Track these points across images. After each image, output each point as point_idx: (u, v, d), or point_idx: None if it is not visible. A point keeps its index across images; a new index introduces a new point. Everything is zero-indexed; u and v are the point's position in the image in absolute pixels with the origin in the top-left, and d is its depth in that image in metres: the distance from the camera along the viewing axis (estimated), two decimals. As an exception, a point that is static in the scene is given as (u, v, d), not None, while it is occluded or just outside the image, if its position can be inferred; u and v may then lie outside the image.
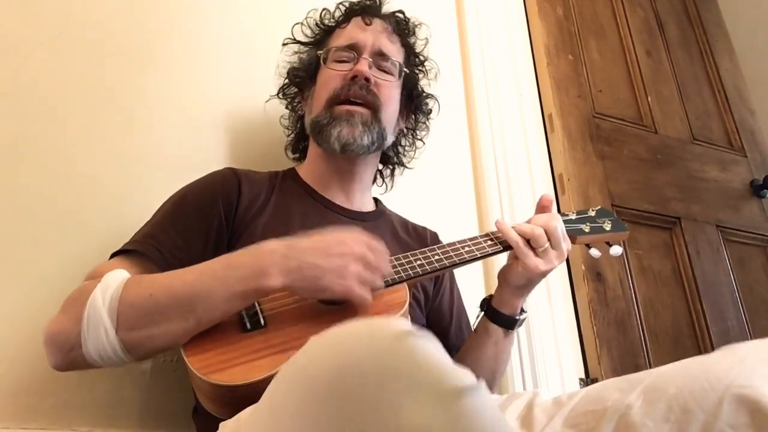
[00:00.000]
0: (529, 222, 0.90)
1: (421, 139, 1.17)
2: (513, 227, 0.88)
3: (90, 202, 0.99)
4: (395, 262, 0.81)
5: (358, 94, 0.95)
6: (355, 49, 1.00)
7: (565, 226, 0.91)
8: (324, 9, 1.10)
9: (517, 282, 0.89)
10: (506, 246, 0.88)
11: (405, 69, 1.05)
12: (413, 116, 1.13)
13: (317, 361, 0.41)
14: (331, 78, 0.98)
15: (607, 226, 0.97)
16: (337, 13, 1.09)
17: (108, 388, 0.91)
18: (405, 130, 1.13)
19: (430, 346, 0.41)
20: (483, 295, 0.99)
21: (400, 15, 1.09)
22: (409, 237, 1.06)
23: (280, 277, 0.69)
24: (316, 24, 1.10)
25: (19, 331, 0.87)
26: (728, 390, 0.55)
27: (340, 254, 0.71)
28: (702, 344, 1.53)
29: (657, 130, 1.84)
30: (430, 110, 1.15)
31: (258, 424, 0.45)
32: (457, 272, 1.13)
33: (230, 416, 0.61)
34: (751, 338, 1.60)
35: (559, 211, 1.48)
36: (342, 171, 1.00)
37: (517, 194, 1.48)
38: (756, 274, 1.77)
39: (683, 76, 2.03)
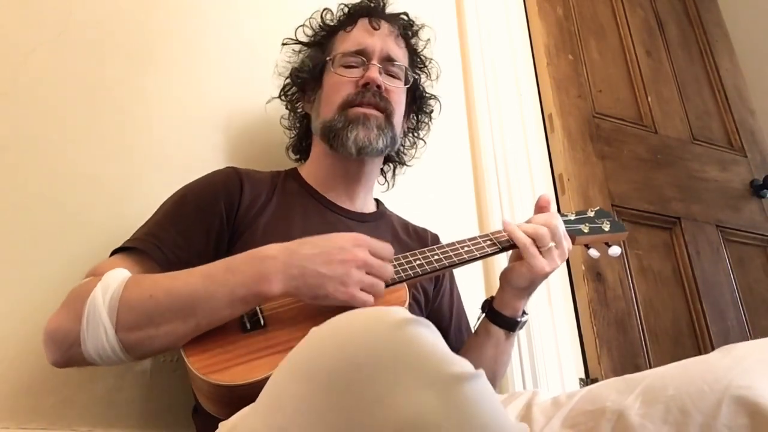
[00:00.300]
0: (529, 222, 0.90)
1: (422, 138, 1.17)
2: (518, 226, 0.88)
3: (90, 202, 0.99)
4: (395, 262, 0.81)
5: (371, 101, 0.95)
6: (363, 54, 0.99)
7: (565, 227, 0.91)
8: (325, 9, 1.09)
9: (520, 283, 0.89)
10: (506, 246, 0.88)
11: (413, 74, 1.05)
12: (415, 116, 1.14)
13: (317, 350, 0.42)
14: (341, 83, 0.98)
15: (606, 227, 0.97)
16: (340, 14, 1.08)
17: (108, 387, 0.91)
18: (407, 130, 1.13)
19: (429, 334, 0.41)
20: (483, 297, 0.99)
21: (405, 17, 1.09)
22: (410, 238, 1.06)
23: (281, 284, 0.69)
24: (319, 24, 1.09)
25: (19, 331, 0.87)
26: (727, 391, 0.54)
27: (341, 261, 0.70)
28: (702, 344, 1.53)
29: (657, 130, 1.84)
30: (432, 111, 1.16)
31: (259, 413, 0.45)
32: (457, 273, 1.13)
33: (230, 416, 0.61)
34: (751, 338, 1.61)
35: (558, 211, 1.48)
36: (349, 173, 1.00)
37: (517, 194, 1.48)
38: (756, 274, 1.77)
39: (683, 76, 2.03)
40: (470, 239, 0.88)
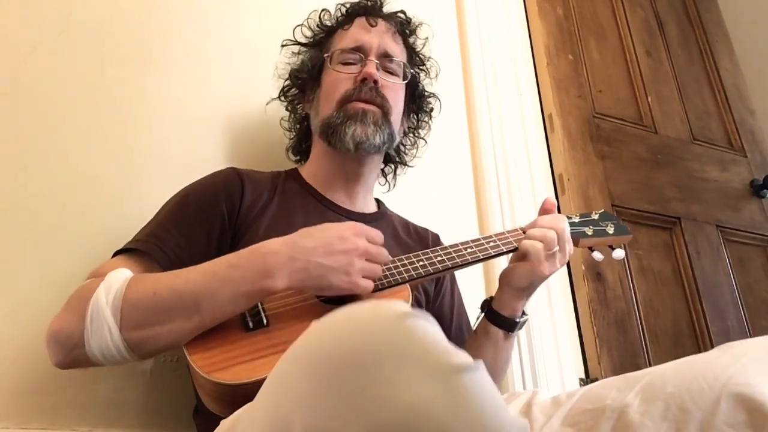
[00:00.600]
0: (535, 224, 0.90)
1: (422, 138, 1.18)
2: (522, 230, 0.90)
3: (90, 202, 0.99)
4: (398, 263, 0.81)
5: (368, 96, 0.96)
6: (361, 50, 1.00)
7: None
8: (324, 9, 1.10)
9: (520, 284, 0.89)
10: (507, 249, 0.88)
11: (410, 70, 1.05)
12: (415, 115, 1.14)
13: (318, 342, 0.42)
14: (339, 80, 0.98)
15: (610, 230, 0.97)
16: (338, 14, 1.09)
17: (109, 388, 0.91)
18: (407, 130, 1.14)
19: (430, 327, 0.42)
20: (483, 297, 0.99)
21: (402, 15, 1.10)
22: (410, 238, 1.06)
23: (285, 279, 0.69)
24: (317, 25, 1.10)
25: (19, 331, 0.87)
26: (725, 388, 0.55)
27: (344, 251, 0.72)
28: (702, 344, 1.53)
29: (657, 130, 1.84)
30: (432, 109, 1.16)
31: (261, 405, 0.45)
32: (458, 273, 1.13)
33: (232, 415, 0.61)
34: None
35: (558, 211, 1.48)
36: (348, 172, 1.00)
37: (517, 194, 1.48)
38: (756, 274, 1.77)
39: (683, 76, 2.03)
40: (473, 240, 0.89)
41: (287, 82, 1.10)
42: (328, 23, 1.09)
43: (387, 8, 1.09)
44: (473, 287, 1.33)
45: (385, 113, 0.97)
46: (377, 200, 1.10)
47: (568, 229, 0.89)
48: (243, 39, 1.25)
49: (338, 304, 0.73)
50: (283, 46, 1.11)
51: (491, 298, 0.95)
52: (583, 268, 1.45)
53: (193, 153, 1.12)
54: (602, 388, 0.67)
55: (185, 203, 0.86)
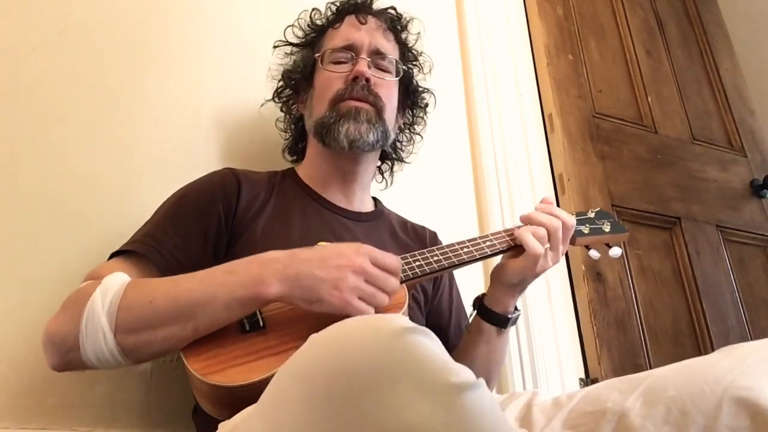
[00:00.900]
0: (528, 216, 0.90)
1: (418, 134, 1.17)
2: (517, 228, 0.89)
3: (90, 202, 0.99)
4: None
5: (360, 94, 0.95)
6: (352, 49, 0.99)
7: None
8: (314, 9, 1.09)
9: (512, 280, 0.89)
10: (505, 248, 0.88)
11: (402, 66, 1.05)
12: (410, 111, 1.14)
13: (316, 358, 0.41)
14: (331, 79, 0.98)
15: (607, 228, 0.97)
16: (328, 13, 1.08)
17: (108, 388, 0.91)
18: (402, 126, 1.13)
19: (430, 343, 0.41)
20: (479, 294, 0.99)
21: (393, 11, 1.09)
22: (408, 237, 1.06)
23: (278, 285, 0.68)
24: (308, 25, 1.09)
25: (19, 331, 0.87)
26: (727, 392, 0.55)
27: (337, 266, 0.69)
28: (702, 344, 1.53)
29: (657, 130, 1.84)
30: (427, 104, 1.16)
31: (257, 421, 0.45)
32: (457, 272, 1.13)
33: (229, 417, 0.61)
34: (751, 338, 1.61)
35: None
36: (344, 171, 1.00)
37: (517, 194, 1.48)
38: (756, 274, 1.77)
39: (683, 76, 2.03)
40: (470, 240, 0.88)
41: (281, 84, 1.10)
42: (319, 22, 1.08)
43: (378, 4, 1.08)
44: (472, 286, 1.33)
45: (378, 111, 0.97)
46: (375, 199, 1.10)
47: (560, 231, 0.88)
48: (243, 39, 1.25)
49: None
50: (275, 47, 1.11)
51: (483, 295, 0.94)
52: (583, 268, 1.45)
53: (192, 153, 1.12)
54: (603, 390, 0.66)
55: (182, 204, 0.86)
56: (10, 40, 1.02)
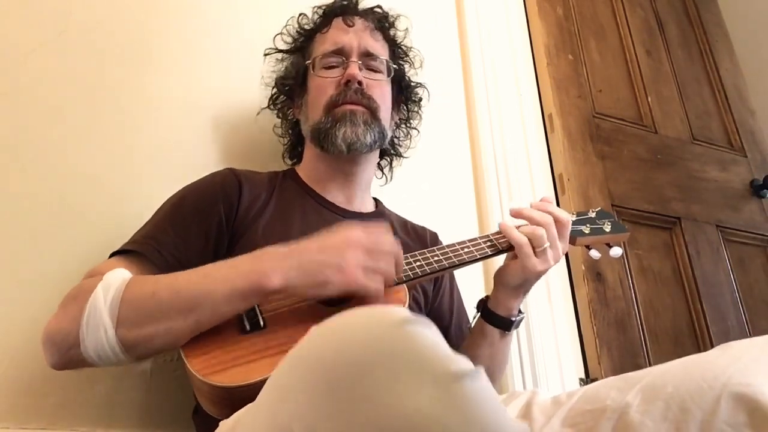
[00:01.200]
0: (518, 211, 0.90)
1: (415, 128, 1.18)
2: (516, 227, 0.88)
3: (90, 202, 0.99)
4: None
5: (353, 98, 0.96)
6: (342, 53, 1.00)
7: None
8: (301, 14, 1.10)
9: (513, 282, 0.89)
10: (505, 248, 0.88)
11: (393, 65, 1.06)
12: (405, 107, 1.14)
13: (317, 348, 0.42)
14: (324, 85, 0.99)
15: (607, 228, 0.97)
16: (315, 17, 1.09)
17: (108, 388, 0.91)
18: (399, 122, 1.14)
19: (429, 333, 0.41)
20: (483, 296, 0.99)
21: (379, 10, 1.10)
22: (409, 237, 1.06)
23: (280, 275, 0.68)
24: (297, 30, 1.10)
25: (19, 331, 0.87)
26: (725, 388, 0.55)
27: (334, 246, 0.70)
28: (702, 344, 1.53)
29: (657, 130, 1.84)
30: (421, 99, 1.16)
31: (260, 411, 0.45)
32: (458, 273, 1.13)
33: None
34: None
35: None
36: (343, 172, 1.01)
37: (517, 194, 1.48)
38: (756, 274, 1.77)
39: (683, 76, 2.03)
40: (470, 240, 0.88)
41: (274, 91, 1.11)
42: (307, 27, 1.09)
43: (363, 4, 1.09)
44: (473, 286, 1.33)
45: (373, 112, 0.98)
46: (375, 200, 1.10)
47: (553, 228, 0.87)
48: (243, 39, 1.25)
49: (337, 305, 0.74)
50: (265, 55, 1.12)
51: (487, 297, 0.94)
52: (583, 268, 1.45)
53: (192, 153, 1.12)
54: (602, 388, 0.66)
55: (182, 204, 0.86)
56: (10, 40, 1.02)
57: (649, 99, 1.89)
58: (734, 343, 0.63)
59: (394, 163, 1.18)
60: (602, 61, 1.86)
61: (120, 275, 0.71)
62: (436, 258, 0.84)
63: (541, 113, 1.68)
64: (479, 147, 1.53)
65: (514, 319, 0.92)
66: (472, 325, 0.96)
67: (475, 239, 0.89)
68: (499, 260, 0.94)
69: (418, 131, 1.19)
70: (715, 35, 2.22)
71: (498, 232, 0.90)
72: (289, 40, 1.11)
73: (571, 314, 1.44)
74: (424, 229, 1.12)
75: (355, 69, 0.97)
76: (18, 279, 0.90)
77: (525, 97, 1.65)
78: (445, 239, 1.09)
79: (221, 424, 0.62)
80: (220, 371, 0.64)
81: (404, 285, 0.79)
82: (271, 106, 1.11)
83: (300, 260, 0.69)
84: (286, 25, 1.11)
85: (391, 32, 1.10)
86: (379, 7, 1.10)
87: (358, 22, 1.04)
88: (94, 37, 1.10)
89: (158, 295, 0.68)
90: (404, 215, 1.13)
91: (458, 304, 1.09)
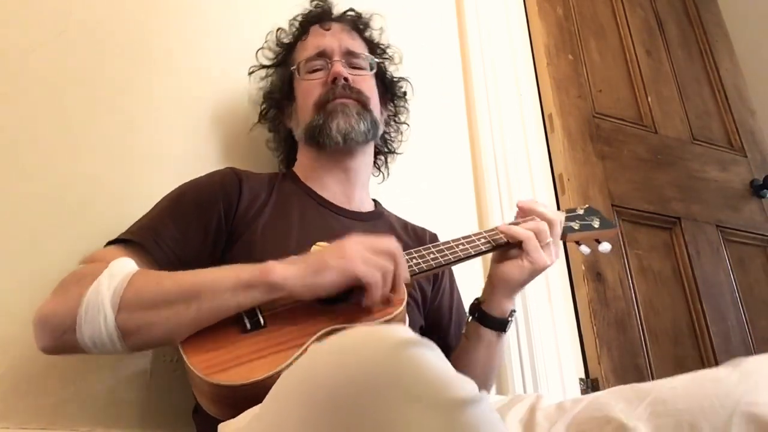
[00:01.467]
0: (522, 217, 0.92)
1: (404, 122, 1.20)
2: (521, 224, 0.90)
3: (90, 202, 0.99)
4: None
5: (342, 94, 0.98)
6: (324, 55, 1.03)
7: None
8: (279, 29, 1.13)
9: (518, 279, 0.88)
10: (500, 244, 0.88)
11: (375, 60, 1.08)
12: (392, 103, 1.16)
13: (318, 369, 0.41)
14: (311, 87, 1.01)
15: (596, 224, 0.98)
16: (293, 29, 1.12)
17: (108, 387, 0.91)
18: (388, 119, 1.16)
19: (432, 356, 0.41)
20: (474, 300, 0.99)
21: (352, 12, 1.13)
22: (408, 238, 1.06)
23: (283, 269, 0.69)
24: (277, 44, 1.13)
25: (19, 331, 0.87)
26: (737, 407, 0.55)
27: (336, 245, 0.72)
28: (702, 344, 1.53)
29: (657, 130, 1.84)
30: (405, 92, 1.18)
31: (260, 422, 0.45)
32: (457, 273, 1.13)
33: (230, 417, 0.61)
34: (751, 338, 1.61)
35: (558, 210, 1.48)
36: (341, 168, 1.01)
37: (517, 194, 1.48)
38: (756, 274, 1.77)
39: (683, 76, 2.03)
40: (464, 237, 0.89)
41: (264, 106, 1.12)
42: (287, 40, 1.12)
43: (337, 9, 1.12)
44: (473, 286, 1.33)
45: (363, 103, 1.00)
46: (375, 201, 1.11)
47: (555, 220, 0.90)
48: (243, 39, 1.25)
49: (337, 304, 0.73)
50: (250, 73, 1.14)
51: (478, 301, 0.94)
52: (583, 268, 1.45)
53: (192, 153, 1.12)
54: (609, 398, 0.66)
55: (182, 200, 0.86)
56: (10, 40, 1.02)
57: (649, 99, 1.89)
58: (746, 359, 0.62)
59: (389, 160, 1.20)
60: (602, 61, 1.86)
61: (126, 265, 0.71)
62: (432, 255, 0.84)
63: (541, 113, 1.68)
64: (479, 147, 1.53)
65: (510, 319, 0.92)
66: (465, 330, 0.96)
67: (469, 236, 0.89)
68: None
69: (408, 125, 1.21)
70: (715, 35, 2.22)
71: (493, 229, 0.91)
72: (271, 55, 1.14)
73: (571, 314, 1.44)
74: (423, 230, 1.12)
75: (339, 66, 1.00)
76: (18, 279, 0.90)
77: (525, 97, 1.65)
78: (445, 239, 1.08)
79: (221, 426, 0.62)
80: (220, 370, 0.64)
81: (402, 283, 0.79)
82: (262, 121, 1.13)
83: (304, 258, 0.72)
84: (266, 41, 1.15)
85: (368, 33, 1.13)
86: (351, 9, 1.13)
87: (335, 25, 1.08)
88: (94, 37, 1.10)
89: (162, 283, 0.69)
90: (404, 215, 1.13)
91: (458, 303, 1.09)
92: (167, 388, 0.94)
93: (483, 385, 0.96)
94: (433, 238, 1.11)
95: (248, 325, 0.70)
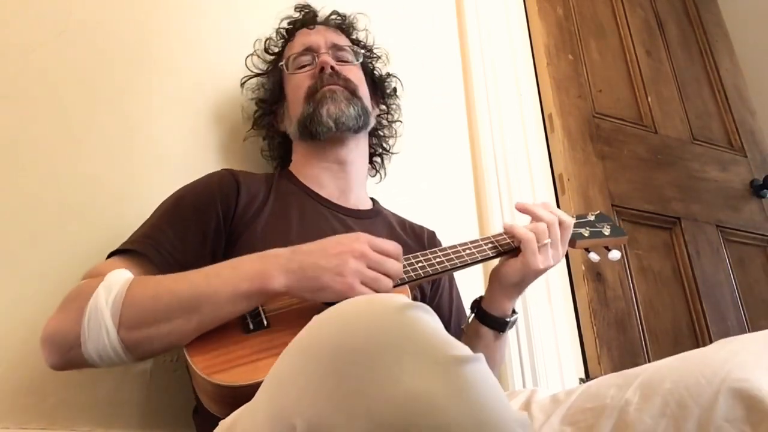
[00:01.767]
0: (524, 206, 0.92)
1: (397, 120, 1.21)
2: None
3: (90, 202, 0.99)
4: None
5: (330, 81, 1.00)
6: (311, 50, 1.05)
7: None
8: (267, 38, 1.16)
9: (512, 280, 0.88)
10: (506, 249, 0.88)
11: (361, 51, 1.11)
12: (382, 100, 1.17)
13: (320, 335, 0.42)
14: (300, 81, 1.03)
15: (607, 231, 0.97)
16: (279, 37, 1.15)
17: (108, 388, 0.91)
18: (380, 117, 1.17)
19: (430, 319, 0.42)
20: (477, 297, 0.99)
21: (335, 15, 1.16)
22: (407, 236, 1.06)
23: (282, 277, 0.69)
24: (265, 51, 1.15)
25: (19, 331, 0.87)
26: (723, 384, 0.55)
27: (337, 253, 0.70)
28: (702, 344, 1.53)
29: (657, 130, 1.84)
30: (395, 89, 1.20)
31: (261, 400, 0.46)
32: (457, 273, 1.12)
33: (232, 417, 0.61)
34: (751, 338, 1.61)
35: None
36: (336, 160, 1.02)
37: (517, 194, 1.48)
38: (756, 274, 1.77)
39: (683, 76, 2.03)
40: (471, 242, 0.88)
41: (258, 113, 1.13)
42: (275, 48, 1.14)
43: (322, 13, 1.15)
44: (473, 287, 1.33)
45: (352, 90, 1.01)
46: (373, 199, 1.11)
47: (555, 222, 0.89)
48: (243, 39, 1.25)
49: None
50: (242, 84, 1.16)
51: (481, 298, 0.94)
52: (583, 268, 1.45)
53: (192, 153, 1.12)
54: (601, 386, 0.67)
55: (180, 204, 0.86)
56: (10, 40, 1.02)
57: (649, 99, 1.89)
58: (733, 338, 0.64)
59: (386, 160, 1.20)
60: (602, 61, 1.86)
61: (122, 276, 0.71)
62: (438, 259, 0.84)
63: (541, 113, 1.68)
64: (479, 147, 1.53)
65: (508, 319, 0.91)
66: (466, 326, 0.96)
67: (477, 240, 0.89)
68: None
69: (401, 122, 1.21)
70: (715, 35, 2.22)
71: (499, 234, 0.90)
72: (261, 64, 1.16)
73: (571, 314, 1.44)
74: (422, 228, 1.12)
75: (326, 57, 1.03)
76: (18, 279, 0.90)
77: (525, 97, 1.65)
78: (445, 239, 1.09)
79: (221, 423, 0.62)
80: (223, 370, 0.64)
81: (406, 285, 0.79)
82: (255, 127, 1.14)
83: (302, 263, 0.70)
84: (255, 50, 1.17)
85: (354, 34, 1.16)
86: (335, 12, 1.16)
87: (320, 27, 1.11)
88: (94, 37, 1.10)
89: (160, 297, 0.68)
90: (404, 215, 1.13)
91: (457, 303, 1.09)
92: (167, 388, 0.94)
93: None
94: (431, 236, 1.11)
95: (251, 326, 0.70)
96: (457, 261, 0.84)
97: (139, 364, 0.93)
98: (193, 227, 0.84)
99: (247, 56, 1.16)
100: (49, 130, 1.00)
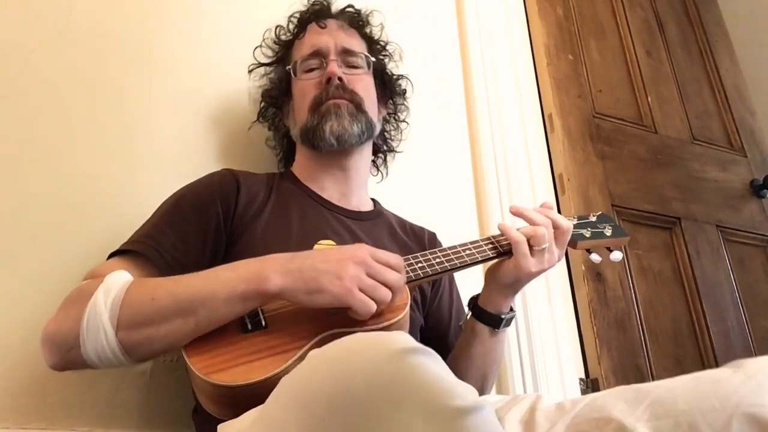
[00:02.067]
0: (518, 210, 0.90)
1: (404, 121, 1.19)
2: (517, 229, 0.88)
3: (90, 202, 0.99)
4: None
5: (336, 94, 0.98)
6: (319, 54, 1.03)
7: None
8: (278, 26, 1.13)
9: (504, 280, 0.88)
10: (506, 250, 0.88)
11: (371, 58, 1.08)
12: (391, 101, 1.16)
13: (316, 377, 0.41)
14: (306, 87, 1.01)
15: (608, 232, 0.97)
16: (291, 26, 1.12)
17: (108, 388, 0.91)
18: (387, 117, 1.16)
19: (432, 364, 0.40)
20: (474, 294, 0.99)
21: (351, 9, 1.12)
22: (407, 237, 1.06)
23: (279, 279, 0.68)
24: (275, 42, 1.13)
25: (19, 331, 0.87)
26: (738, 408, 0.54)
27: (338, 259, 0.69)
28: (702, 344, 1.53)
29: (657, 130, 1.84)
30: (405, 90, 1.18)
31: None
32: (457, 273, 1.12)
33: (231, 417, 0.61)
34: (751, 338, 1.61)
35: (558, 211, 1.48)
36: (338, 168, 1.02)
37: (517, 194, 1.48)
38: (756, 274, 1.77)
39: (683, 76, 2.03)
40: (471, 242, 0.88)
41: (263, 104, 1.12)
42: (284, 37, 1.12)
43: (336, 6, 1.11)
44: (473, 287, 1.33)
45: (357, 105, 0.99)
46: (374, 200, 1.11)
47: (550, 230, 0.87)
48: (244, 39, 1.25)
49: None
50: (250, 71, 1.14)
51: (478, 295, 0.94)
52: (583, 268, 1.45)
53: (192, 153, 1.12)
54: (609, 399, 0.66)
55: (180, 205, 0.86)
56: (10, 40, 1.02)
57: (649, 99, 1.89)
58: (745, 361, 0.62)
59: (389, 158, 1.20)
60: (602, 61, 1.86)
61: (121, 278, 0.71)
62: (438, 260, 0.83)
63: (541, 113, 1.68)
64: (479, 147, 1.53)
65: (503, 317, 0.91)
66: (463, 323, 0.96)
67: (477, 241, 0.88)
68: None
69: (408, 123, 1.20)
70: (715, 35, 2.22)
71: (500, 234, 0.90)
72: (270, 53, 1.14)
73: (571, 314, 1.44)
74: (422, 229, 1.12)
75: (334, 66, 1.00)
76: (18, 279, 0.90)
77: (525, 97, 1.65)
78: (445, 239, 1.09)
79: (220, 427, 0.62)
80: (221, 370, 0.64)
81: (406, 286, 0.79)
82: (261, 119, 1.13)
83: (301, 266, 0.69)
84: (264, 39, 1.15)
85: (367, 29, 1.12)
86: (350, 6, 1.12)
87: (332, 23, 1.07)
88: (94, 37, 1.10)
89: (158, 299, 0.68)
90: (404, 215, 1.13)
91: (457, 304, 1.09)
92: (167, 388, 0.94)
93: (483, 381, 0.96)
94: (432, 237, 1.11)
95: (249, 326, 0.70)
96: (457, 261, 0.84)
97: (139, 364, 0.93)
98: (194, 227, 0.83)
99: (256, 47, 1.14)
100: (49, 130, 1.00)
